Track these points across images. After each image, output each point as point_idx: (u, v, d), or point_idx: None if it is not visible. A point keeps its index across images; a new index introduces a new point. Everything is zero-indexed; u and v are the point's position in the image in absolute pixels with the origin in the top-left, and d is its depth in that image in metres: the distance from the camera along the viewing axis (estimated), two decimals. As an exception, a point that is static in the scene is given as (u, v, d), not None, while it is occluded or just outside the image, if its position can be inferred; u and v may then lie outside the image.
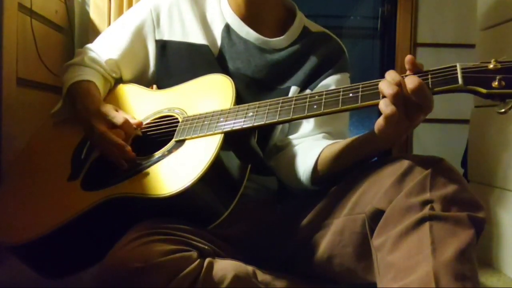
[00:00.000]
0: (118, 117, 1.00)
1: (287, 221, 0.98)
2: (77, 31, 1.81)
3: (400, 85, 0.76)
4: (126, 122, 1.00)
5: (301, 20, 1.17)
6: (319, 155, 0.97)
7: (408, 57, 0.80)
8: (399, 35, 2.09)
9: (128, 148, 0.96)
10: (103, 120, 1.00)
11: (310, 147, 1.02)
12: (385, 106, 0.77)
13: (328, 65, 1.12)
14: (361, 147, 0.91)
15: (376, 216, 0.80)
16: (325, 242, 0.90)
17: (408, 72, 0.81)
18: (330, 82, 1.11)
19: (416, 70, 0.80)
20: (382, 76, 0.81)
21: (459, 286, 0.67)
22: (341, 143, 0.95)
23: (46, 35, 1.57)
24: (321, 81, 1.11)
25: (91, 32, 1.78)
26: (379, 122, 0.78)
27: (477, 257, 0.72)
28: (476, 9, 1.69)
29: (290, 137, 1.09)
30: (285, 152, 1.07)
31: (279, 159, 1.08)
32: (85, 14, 1.81)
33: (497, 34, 1.55)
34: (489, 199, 1.50)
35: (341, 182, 0.92)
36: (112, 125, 1.00)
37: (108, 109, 1.02)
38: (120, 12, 1.76)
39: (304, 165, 0.99)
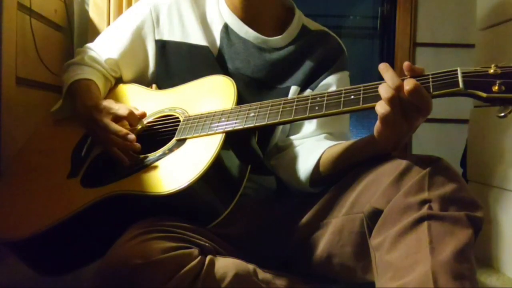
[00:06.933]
0: (122, 108, 1.01)
1: (286, 220, 0.99)
2: (76, 30, 1.80)
3: (398, 88, 0.77)
4: (131, 113, 1.01)
5: (299, 18, 1.17)
6: (320, 157, 0.97)
7: (406, 65, 0.80)
8: (398, 35, 2.09)
9: (133, 136, 0.96)
10: (106, 113, 1.00)
11: (311, 148, 1.02)
12: (380, 107, 0.78)
13: (328, 64, 1.12)
14: (362, 150, 0.91)
15: (374, 215, 0.80)
16: (324, 241, 0.90)
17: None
18: (330, 81, 1.11)
19: (416, 74, 0.80)
20: (381, 76, 0.81)
21: (457, 286, 0.67)
22: (342, 145, 0.95)
23: (45, 34, 1.57)
24: (321, 80, 1.11)
25: (90, 31, 1.78)
26: (377, 124, 0.79)
27: (475, 256, 0.73)
28: (475, 9, 1.69)
29: (292, 137, 1.09)
30: (287, 152, 1.08)
31: (280, 159, 1.08)
32: (85, 13, 1.81)
33: (497, 34, 1.55)
34: (488, 198, 1.50)
35: (340, 181, 0.92)
36: (116, 118, 1.00)
37: (110, 102, 1.03)
38: (119, 11, 1.75)
39: (305, 166, 0.99)
